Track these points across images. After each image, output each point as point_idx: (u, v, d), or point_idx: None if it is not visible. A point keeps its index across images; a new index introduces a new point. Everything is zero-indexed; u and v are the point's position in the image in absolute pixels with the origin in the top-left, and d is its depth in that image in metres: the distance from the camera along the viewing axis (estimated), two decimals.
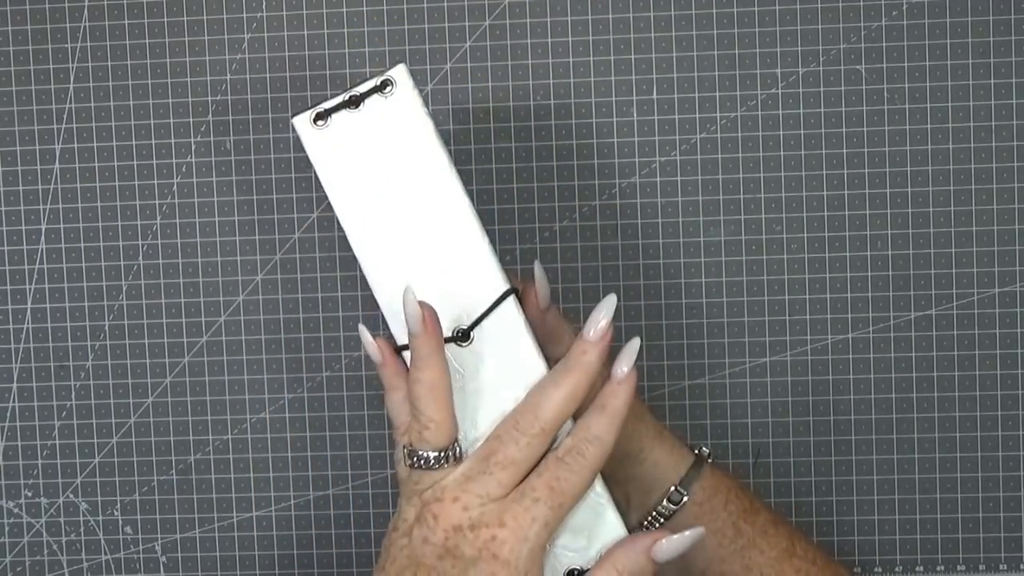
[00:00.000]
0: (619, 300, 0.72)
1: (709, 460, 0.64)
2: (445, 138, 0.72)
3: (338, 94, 0.56)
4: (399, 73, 0.56)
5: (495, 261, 0.56)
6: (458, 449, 0.54)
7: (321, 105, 0.56)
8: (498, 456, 0.53)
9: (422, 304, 0.54)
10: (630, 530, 0.65)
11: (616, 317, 0.72)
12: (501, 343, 0.56)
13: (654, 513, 0.64)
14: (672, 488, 0.63)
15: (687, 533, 0.55)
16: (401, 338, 0.56)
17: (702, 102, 0.71)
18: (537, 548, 0.53)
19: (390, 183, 0.56)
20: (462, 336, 0.56)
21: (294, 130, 0.55)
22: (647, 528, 0.64)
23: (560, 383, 0.54)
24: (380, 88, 0.56)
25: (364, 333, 0.57)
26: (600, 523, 0.57)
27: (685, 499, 0.63)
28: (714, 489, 0.64)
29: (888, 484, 0.73)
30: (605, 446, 0.54)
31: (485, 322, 0.56)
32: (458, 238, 0.56)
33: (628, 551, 0.55)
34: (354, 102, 0.56)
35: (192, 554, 0.75)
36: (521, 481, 0.53)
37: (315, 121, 0.56)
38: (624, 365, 0.54)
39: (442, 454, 0.54)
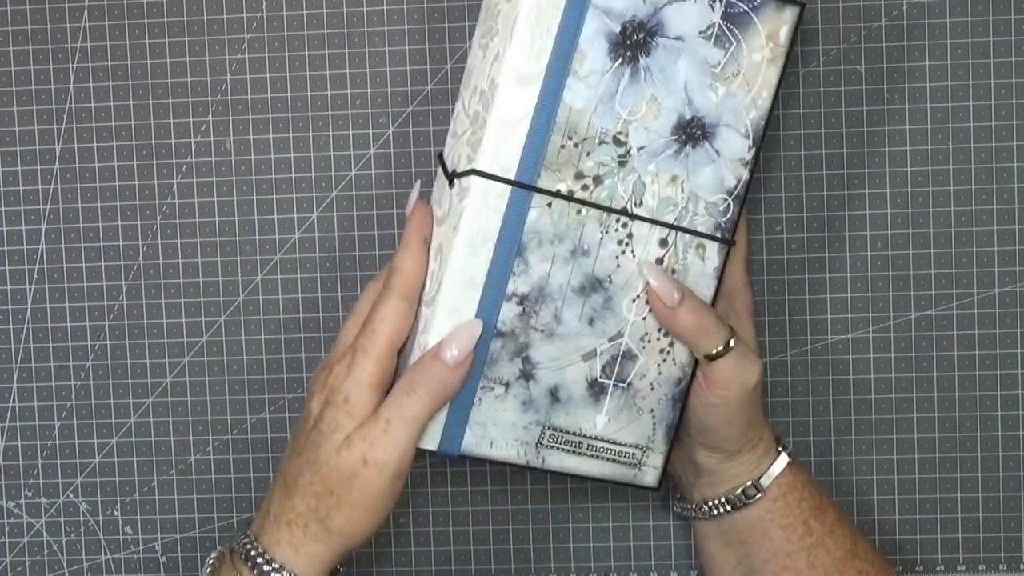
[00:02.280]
0: None
1: (790, 457, 0.65)
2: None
3: None
4: None
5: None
6: None
7: None
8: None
9: (420, 202, 0.61)
10: (693, 506, 0.66)
11: None
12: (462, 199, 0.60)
13: (722, 499, 0.64)
14: (749, 482, 0.64)
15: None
16: None
17: None
18: (364, 385, 0.59)
19: None
20: (450, 179, 0.61)
21: None
22: (710, 509, 0.65)
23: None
24: None
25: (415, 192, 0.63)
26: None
27: (760, 495, 0.64)
28: (791, 486, 0.64)
29: (888, 484, 0.73)
30: (387, 323, 0.60)
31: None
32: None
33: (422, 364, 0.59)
34: None
35: (192, 554, 0.75)
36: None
37: None
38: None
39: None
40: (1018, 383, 0.72)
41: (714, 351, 0.60)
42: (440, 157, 0.62)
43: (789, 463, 0.64)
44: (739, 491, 0.64)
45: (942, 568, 0.73)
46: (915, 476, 0.73)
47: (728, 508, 0.64)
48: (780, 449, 0.65)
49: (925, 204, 0.71)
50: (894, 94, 0.71)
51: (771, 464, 0.64)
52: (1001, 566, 0.73)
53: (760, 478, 0.64)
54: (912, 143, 0.71)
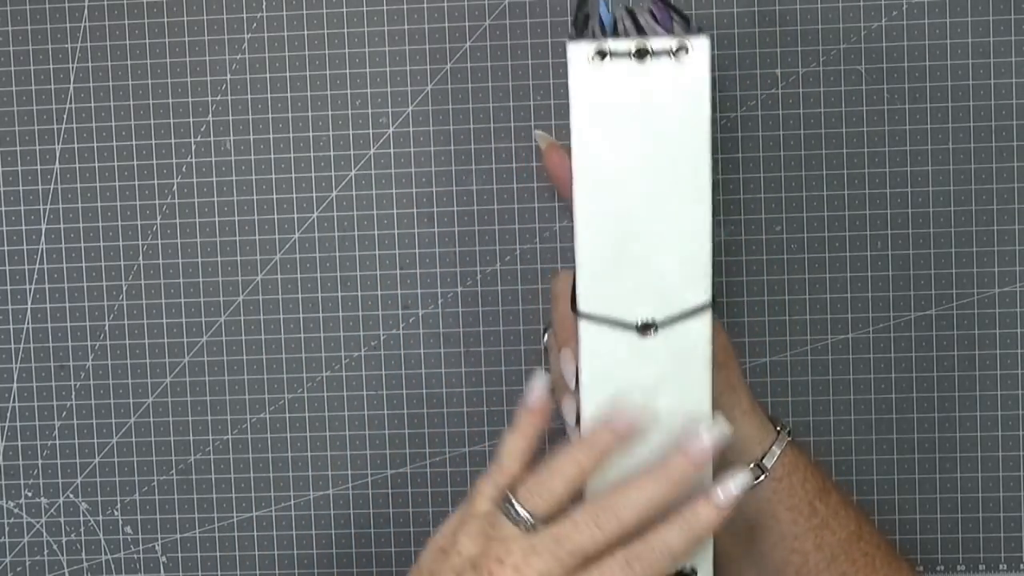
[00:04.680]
0: None
1: (789, 436, 0.65)
2: (445, 137, 0.72)
3: (625, 35, 0.52)
4: (701, 45, 0.51)
5: (709, 268, 0.53)
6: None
7: (607, 43, 0.51)
8: (571, 545, 0.53)
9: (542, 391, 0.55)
10: None
11: None
12: (679, 355, 0.54)
13: None
14: (753, 464, 0.64)
15: (740, 475, 0.54)
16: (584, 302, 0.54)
17: None
18: None
19: (641, 145, 0.52)
20: (644, 328, 0.54)
21: (565, 53, 0.52)
22: None
23: (651, 490, 0.53)
24: (674, 51, 0.51)
25: (539, 380, 0.56)
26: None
27: (764, 476, 0.63)
28: (793, 466, 0.64)
29: (888, 484, 0.73)
30: (676, 561, 0.53)
31: (673, 324, 0.54)
32: (684, 226, 0.53)
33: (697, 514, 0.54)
34: (641, 54, 0.51)
35: (192, 554, 0.75)
36: (583, 565, 0.53)
37: (593, 56, 0.51)
38: (728, 493, 0.53)
39: (534, 520, 0.54)
40: (1018, 383, 0.72)
41: None
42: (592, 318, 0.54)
43: (790, 443, 0.65)
44: None
45: (942, 568, 0.73)
46: (915, 476, 0.73)
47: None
48: (778, 429, 0.65)
49: (925, 204, 0.71)
50: (894, 94, 0.71)
51: (772, 444, 0.64)
52: (1001, 566, 0.73)
53: (763, 458, 0.64)
54: (912, 143, 0.71)
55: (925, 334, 0.72)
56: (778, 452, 0.64)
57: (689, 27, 0.53)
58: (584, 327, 0.54)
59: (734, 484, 0.53)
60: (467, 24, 0.72)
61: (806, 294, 0.72)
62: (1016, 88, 0.71)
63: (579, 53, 0.51)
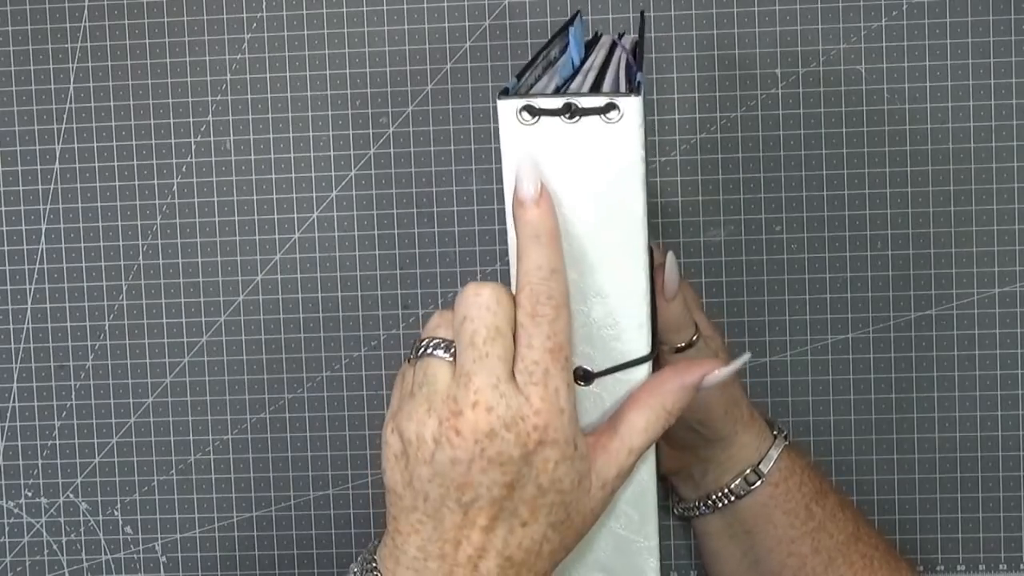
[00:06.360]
0: None
1: (787, 440, 0.65)
2: (446, 137, 0.72)
3: (553, 93, 0.51)
4: (631, 106, 0.50)
5: (648, 323, 0.52)
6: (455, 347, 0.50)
7: (535, 100, 0.50)
8: (479, 338, 0.48)
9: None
10: (695, 504, 0.66)
11: None
12: (618, 400, 0.53)
13: (726, 490, 0.64)
14: (749, 469, 0.64)
15: (737, 362, 0.52)
16: None
17: (702, 102, 0.71)
18: (572, 413, 0.49)
19: (574, 201, 0.51)
20: (584, 377, 0.53)
21: (495, 110, 0.50)
22: (715, 502, 0.65)
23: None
24: (604, 110, 0.50)
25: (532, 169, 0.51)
26: (646, 503, 0.56)
27: (760, 482, 0.64)
28: (790, 470, 0.64)
29: (888, 484, 0.73)
30: (557, 272, 0.49)
31: (613, 374, 0.53)
32: (620, 282, 0.52)
33: (678, 391, 0.51)
34: (571, 112, 0.50)
35: (192, 554, 0.75)
36: (515, 355, 0.49)
37: (521, 112, 0.50)
38: (525, 185, 0.49)
39: (444, 342, 0.50)
40: (1018, 383, 0.72)
41: (683, 343, 0.61)
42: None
43: (787, 447, 0.64)
44: (741, 479, 0.64)
45: (942, 568, 0.73)
46: (915, 476, 0.73)
47: (732, 498, 0.64)
48: (775, 433, 0.65)
49: (925, 204, 0.71)
50: (894, 94, 0.71)
51: (768, 449, 0.64)
52: (1001, 566, 0.73)
53: (760, 463, 0.64)
54: (912, 143, 0.71)
55: (925, 334, 0.72)
56: (775, 457, 0.64)
57: (636, 78, 0.52)
58: None
59: (527, 172, 0.50)
60: (467, 24, 0.72)
61: (806, 294, 0.72)
62: (1016, 88, 0.71)
63: (508, 109, 0.50)
